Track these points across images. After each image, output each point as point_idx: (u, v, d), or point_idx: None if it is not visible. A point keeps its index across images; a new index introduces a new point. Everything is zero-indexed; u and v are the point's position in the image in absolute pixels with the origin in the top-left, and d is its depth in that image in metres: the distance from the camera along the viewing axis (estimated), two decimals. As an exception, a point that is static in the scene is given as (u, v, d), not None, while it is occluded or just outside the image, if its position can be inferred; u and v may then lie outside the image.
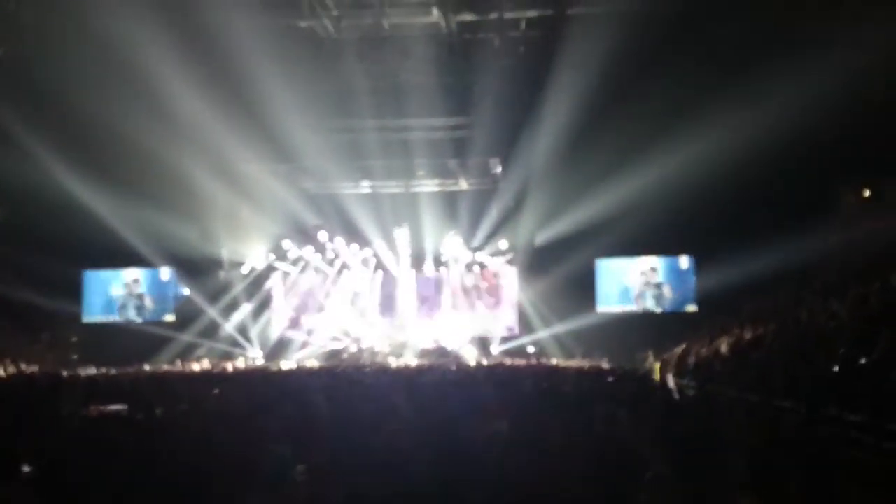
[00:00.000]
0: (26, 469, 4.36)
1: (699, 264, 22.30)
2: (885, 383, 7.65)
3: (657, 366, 17.54)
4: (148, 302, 24.38)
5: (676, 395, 10.45)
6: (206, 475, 4.68)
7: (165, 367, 19.32)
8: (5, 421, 6.67)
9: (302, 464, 4.90)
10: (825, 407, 8.17)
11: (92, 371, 16.21)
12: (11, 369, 17.45)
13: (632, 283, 23.31)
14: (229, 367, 19.06)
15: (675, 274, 23.04)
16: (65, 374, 14.58)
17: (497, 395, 8.19)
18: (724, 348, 13.95)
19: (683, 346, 17.30)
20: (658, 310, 23.00)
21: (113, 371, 16.21)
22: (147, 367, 18.83)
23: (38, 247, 19.79)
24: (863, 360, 8.40)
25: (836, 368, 8.60)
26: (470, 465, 4.94)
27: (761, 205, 18.74)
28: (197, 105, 18.14)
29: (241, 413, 6.72)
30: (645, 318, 22.66)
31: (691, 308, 22.54)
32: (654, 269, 23.24)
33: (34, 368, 17.86)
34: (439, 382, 10.47)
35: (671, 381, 14.37)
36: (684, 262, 22.83)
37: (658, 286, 23.11)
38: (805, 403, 8.45)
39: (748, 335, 13.39)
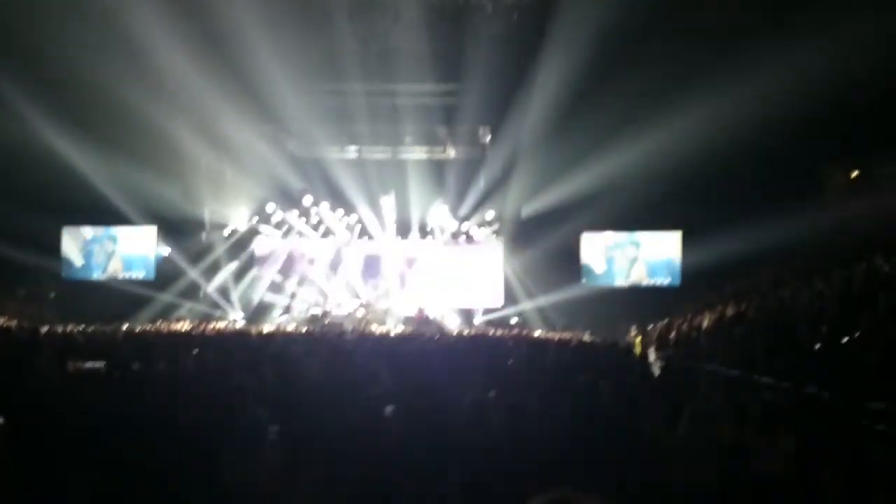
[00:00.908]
0: (0, 420, 4.28)
1: (685, 240, 22.36)
2: (865, 363, 7.70)
3: (639, 339, 17.62)
4: (128, 260, 24.15)
5: (658, 369, 10.50)
6: (182, 433, 4.63)
7: (144, 326, 19.17)
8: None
9: (277, 426, 4.85)
10: (805, 384, 8.23)
11: (70, 327, 16.04)
12: (-11, 323, 17.26)
13: (617, 257, 23.35)
14: (209, 328, 18.93)
15: (660, 249, 23.08)
16: (42, 329, 14.41)
17: (479, 365, 8.18)
18: (706, 324, 14.01)
19: (666, 320, 17.38)
20: (642, 284, 23.08)
21: (91, 328, 16.05)
22: (125, 326, 18.70)
23: (19, 202, 19.50)
24: (844, 340, 8.44)
25: (817, 346, 8.64)
26: (450, 431, 4.91)
27: (748, 183, 18.78)
28: (183, 64, 17.85)
29: (219, 374, 6.65)
30: (629, 292, 22.74)
31: (675, 283, 22.63)
32: (639, 244, 23.28)
33: (11, 323, 17.66)
34: (421, 350, 10.44)
35: (653, 355, 14.45)
36: (670, 237, 22.86)
37: (643, 261, 23.16)
38: (785, 379, 8.51)
39: (730, 311, 13.44)
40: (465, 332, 19.18)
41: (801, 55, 13.94)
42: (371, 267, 24.86)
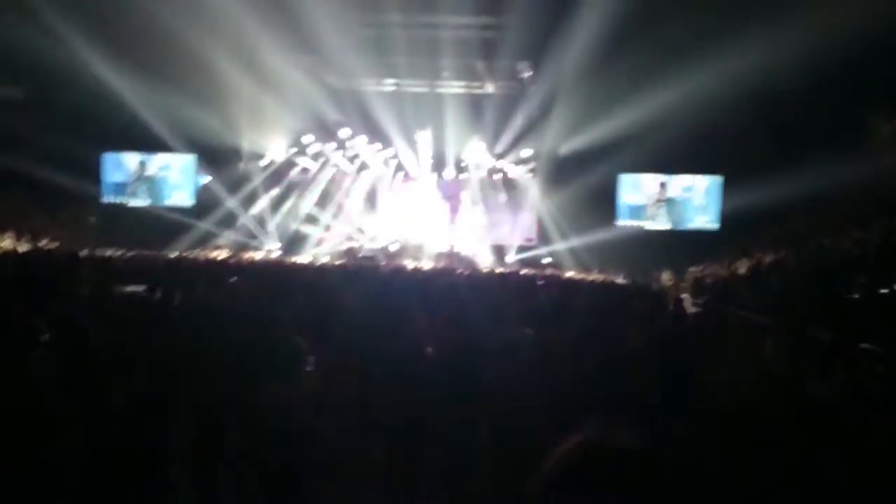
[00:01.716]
0: (45, 338, 4.41)
1: (725, 184, 22.00)
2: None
3: (673, 283, 17.53)
4: (167, 187, 24.45)
5: (692, 313, 10.43)
6: (219, 358, 4.73)
7: (183, 253, 19.50)
8: (26, 293, 6.75)
9: (313, 355, 4.93)
10: (842, 333, 8.14)
11: (109, 252, 16.37)
12: (30, 245, 17.68)
13: (653, 199, 23.07)
14: (245, 257, 19.21)
15: (699, 192, 22.75)
16: (82, 252, 14.72)
17: (510, 303, 8.20)
18: (742, 270, 13.87)
19: (702, 266, 17.23)
20: (678, 228, 22.83)
21: (130, 253, 16.37)
22: (165, 252, 19.04)
23: (60, 127, 19.77)
24: (883, 291, 8.32)
25: (856, 296, 8.53)
26: (481, 366, 4.96)
27: (792, 129, 18.33)
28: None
29: (255, 302, 6.76)
30: (664, 235, 22.54)
31: (713, 228, 22.35)
32: (676, 187, 22.95)
33: (52, 245, 18.07)
34: (453, 286, 10.49)
35: (687, 299, 14.37)
36: (710, 180, 22.49)
37: (680, 203, 22.87)
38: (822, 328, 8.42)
39: (768, 258, 13.28)
40: (497, 270, 19.22)
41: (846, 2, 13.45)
42: (405, 201, 24.89)
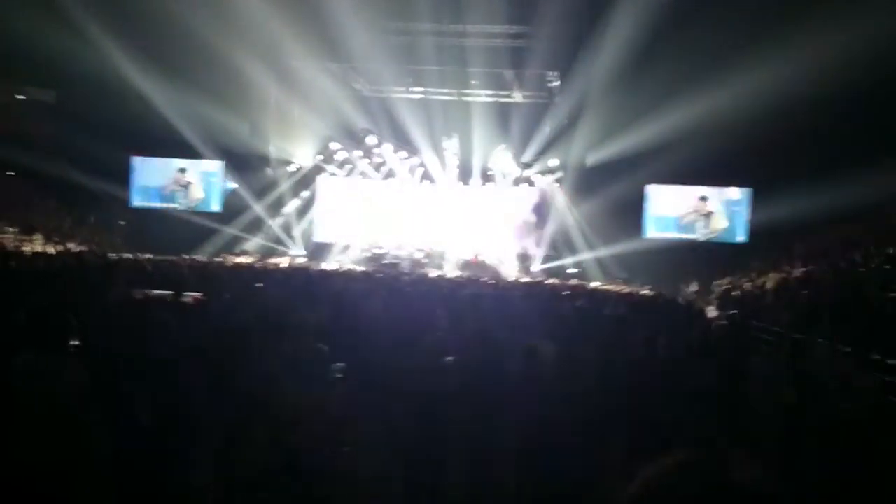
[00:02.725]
0: (74, 343, 4.45)
1: (754, 197, 21.77)
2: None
3: (700, 296, 17.35)
4: (195, 192, 24.69)
5: (719, 327, 10.31)
6: (246, 363, 4.75)
7: (210, 258, 19.66)
8: (55, 296, 6.83)
9: (340, 362, 4.93)
10: (871, 350, 8.01)
11: (138, 256, 16.56)
12: (59, 248, 17.92)
13: (681, 211, 22.89)
14: (271, 263, 19.32)
15: (728, 205, 22.54)
16: (112, 256, 14.90)
17: (534, 313, 8.15)
18: (770, 284, 13.70)
19: (729, 278, 17.05)
20: (706, 240, 22.62)
21: (159, 258, 16.54)
22: (193, 257, 19.21)
23: (90, 130, 20.04)
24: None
25: (887, 312, 8.38)
26: (504, 378, 4.92)
27: (821, 141, 18.09)
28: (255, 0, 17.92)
29: (281, 308, 6.78)
30: (692, 247, 22.33)
31: (742, 241, 22.12)
32: (705, 199, 22.75)
33: (83, 249, 18.29)
34: (478, 296, 10.45)
35: (713, 313, 14.21)
36: (738, 193, 22.28)
37: (708, 216, 22.66)
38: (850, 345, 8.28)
39: (798, 273, 13.11)
40: (522, 280, 19.15)
41: (883, 11, 13.26)
42: (431, 209, 24.90)
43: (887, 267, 11.09)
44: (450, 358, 5.03)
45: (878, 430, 3.87)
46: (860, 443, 3.68)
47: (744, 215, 22.11)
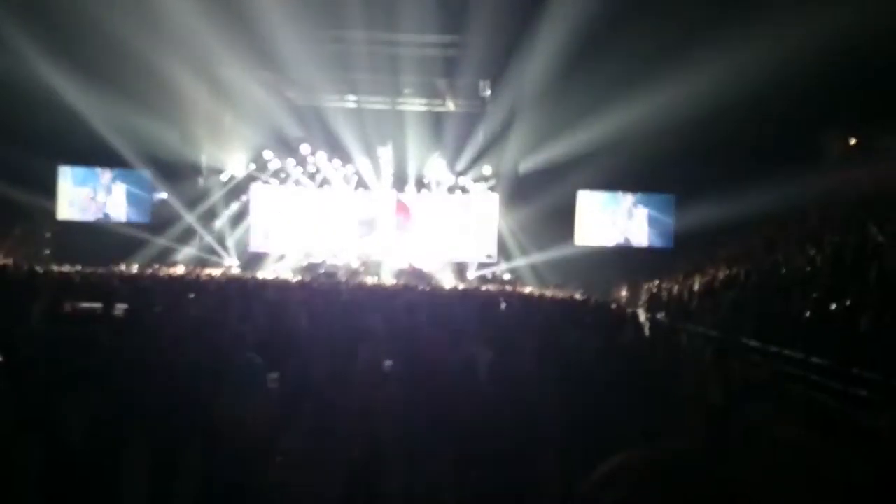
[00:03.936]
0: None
1: (679, 202, 22.41)
2: (853, 331, 7.82)
3: (629, 299, 17.77)
4: (124, 202, 24.09)
5: (646, 329, 10.59)
6: (179, 376, 4.70)
7: (140, 269, 19.22)
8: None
9: (274, 372, 4.92)
10: (792, 348, 8.35)
11: (66, 268, 16.09)
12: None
13: (611, 217, 23.42)
14: (204, 273, 19.00)
15: (655, 211, 23.16)
16: (38, 269, 14.45)
17: (470, 320, 8.24)
18: (696, 286, 14.13)
19: (657, 281, 17.50)
20: (635, 245, 23.19)
21: (87, 270, 16.10)
22: (122, 268, 18.76)
23: (15, 141, 19.36)
24: (833, 307, 8.55)
25: (807, 313, 8.76)
26: (442, 384, 4.99)
27: (746, 147, 18.78)
28: (185, 7, 17.61)
29: (215, 319, 6.71)
30: (621, 252, 22.86)
31: (668, 245, 22.75)
32: (634, 205, 23.34)
33: (7, 262, 17.69)
34: (414, 304, 10.51)
35: (642, 315, 14.58)
36: (664, 199, 22.92)
37: (637, 222, 23.24)
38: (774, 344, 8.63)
39: (722, 275, 13.56)
40: (457, 287, 19.29)
41: (805, 21, 13.83)
42: (366, 218, 24.84)
43: (808, 269, 11.56)
44: (388, 362, 5.08)
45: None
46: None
47: (670, 221, 22.76)
